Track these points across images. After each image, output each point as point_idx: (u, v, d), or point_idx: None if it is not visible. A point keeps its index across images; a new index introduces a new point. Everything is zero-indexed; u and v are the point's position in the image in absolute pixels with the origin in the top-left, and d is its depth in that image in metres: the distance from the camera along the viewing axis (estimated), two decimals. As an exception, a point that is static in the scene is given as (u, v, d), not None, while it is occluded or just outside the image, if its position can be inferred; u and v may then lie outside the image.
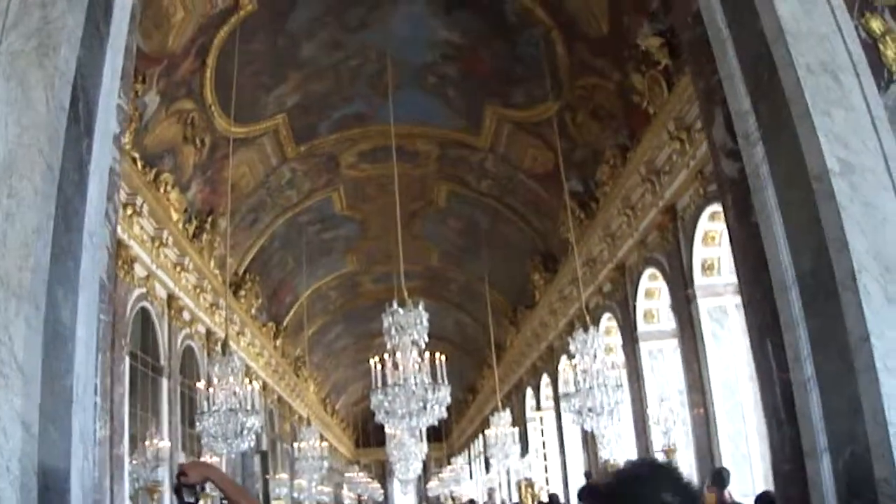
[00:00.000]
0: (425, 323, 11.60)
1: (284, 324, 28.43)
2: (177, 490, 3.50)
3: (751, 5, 4.03)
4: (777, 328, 4.44)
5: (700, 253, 13.83)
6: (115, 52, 3.99)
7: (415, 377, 11.29)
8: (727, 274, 13.59)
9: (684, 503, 2.24)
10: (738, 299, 13.36)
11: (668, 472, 2.37)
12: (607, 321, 18.60)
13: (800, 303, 3.87)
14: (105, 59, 3.87)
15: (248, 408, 11.48)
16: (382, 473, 61.20)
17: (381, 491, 58.50)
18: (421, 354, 11.53)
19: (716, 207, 13.17)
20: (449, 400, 11.71)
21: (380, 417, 11.66)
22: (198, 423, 11.65)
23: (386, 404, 11.40)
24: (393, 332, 11.43)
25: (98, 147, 3.81)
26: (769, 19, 3.88)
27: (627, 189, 16.08)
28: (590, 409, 12.18)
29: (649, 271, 16.19)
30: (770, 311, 4.52)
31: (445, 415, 11.72)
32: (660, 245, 15.22)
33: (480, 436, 37.17)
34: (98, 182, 3.86)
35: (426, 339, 11.57)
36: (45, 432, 3.30)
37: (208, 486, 3.65)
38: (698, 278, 13.84)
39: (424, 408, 11.28)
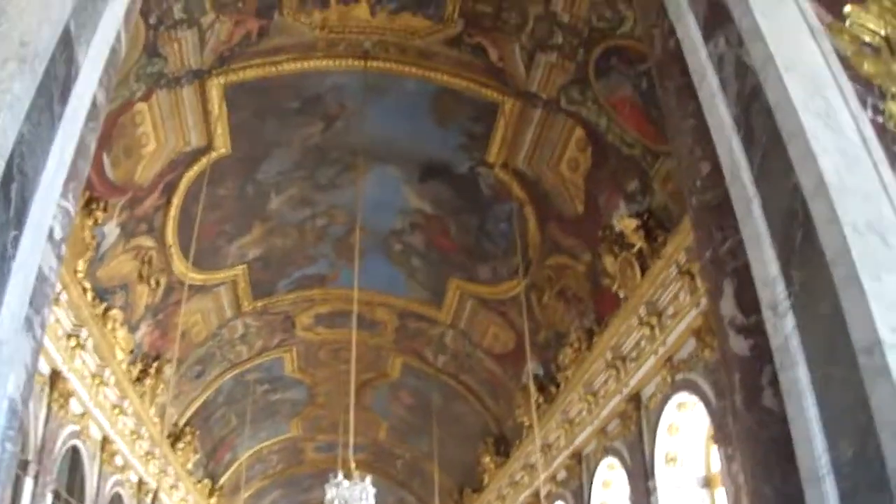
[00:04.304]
0: (371, 499, 10.82)
1: (221, 483, 27.09)
2: None
3: (784, 158, 3.65)
4: (792, 530, 3.84)
5: (664, 444, 13.22)
6: (67, 139, 3.47)
7: (355, 556, 10.39)
8: (691, 466, 12.98)
9: None
10: (703, 493, 12.77)
11: None
12: (560, 511, 17.68)
13: (836, 496, 3.28)
14: (53, 143, 3.33)
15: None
16: None
17: None
18: (364, 531, 10.66)
19: (683, 397, 12.73)
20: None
21: None
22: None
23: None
24: (336, 504, 10.59)
25: (28, 243, 3.22)
26: (808, 173, 3.49)
27: (591, 374, 15.62)
28: None
29: (608, 460, 15.48)
30: (783, 508, 3.95)
31: None
32: (621, 434, 14.62)
33: None
34: (21, 284, 3.26)
35: (372, 517, 10.74)
36: None
37: None
38: (660, 470, 13.17)
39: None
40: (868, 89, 3.99)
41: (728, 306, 4.46)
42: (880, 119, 3.86)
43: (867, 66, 4.11)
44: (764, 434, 4.11)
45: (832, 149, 3.53)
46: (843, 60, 4.04)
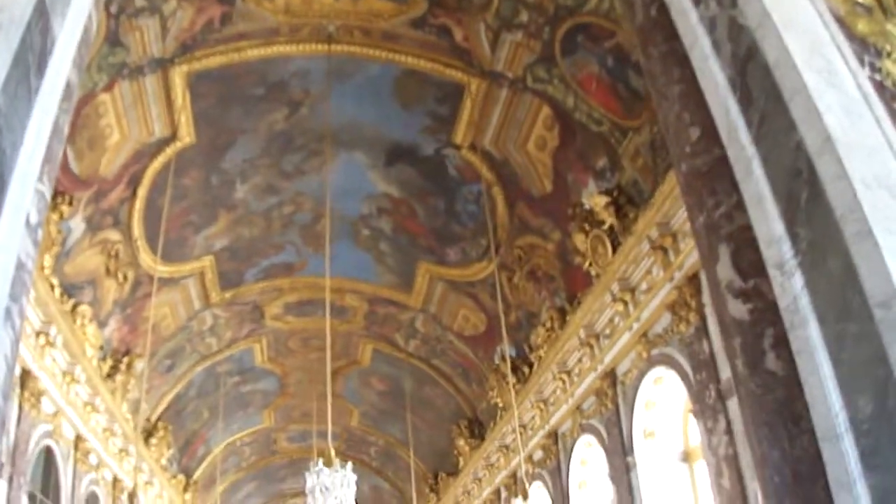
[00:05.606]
0: (352, 485, 10.71)
1: (195, 477, 26.79)
2: None
3: (785, 117, 3.59)
4: (799, 492, 3.81)
5: (641, 420, 13.23)
6: (44, 115, 3.29)
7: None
8: (669, 441, 13.01)
9: None
10: (683, 467, 12.80)
11: None
12: (537, 489, 17.65)
13: (856, 453, 3.23)
14: (31, 116, 3.16)
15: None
16: None
17: None
18: (345, 518, 10.55)
19: (659, 372, 12.74)
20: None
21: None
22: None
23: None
24: (317, 492, 10.46)
25: (7, 226, 3.05)
26: (813, 130, 3.44)
27: (564, 353, 15.58)
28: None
29: (585, 438, 15.47)
30: (791, 471, 3.90)
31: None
32: (597, 411, 14.61)
33: None
34: (0, 271, 3.08)
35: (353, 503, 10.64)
36: None
37: None
38: (639, 446, 13.19)
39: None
40: (864, 48, 3.96)
41: (725, 271, 4.41)
42: (878, 77, 3.83)
43: (861, 26, 4.07)
44: (768, 397, 4.07)
45: (835, 106, 3.49)
46: (838, 20, 3.99)
